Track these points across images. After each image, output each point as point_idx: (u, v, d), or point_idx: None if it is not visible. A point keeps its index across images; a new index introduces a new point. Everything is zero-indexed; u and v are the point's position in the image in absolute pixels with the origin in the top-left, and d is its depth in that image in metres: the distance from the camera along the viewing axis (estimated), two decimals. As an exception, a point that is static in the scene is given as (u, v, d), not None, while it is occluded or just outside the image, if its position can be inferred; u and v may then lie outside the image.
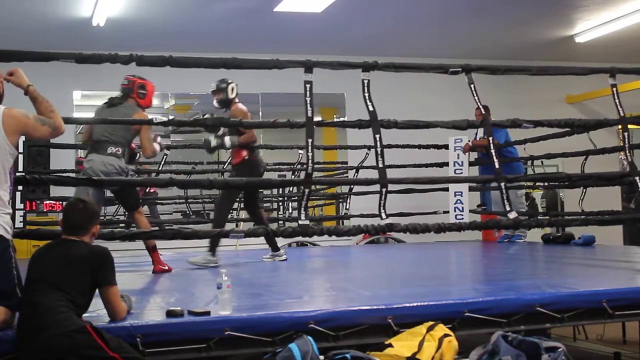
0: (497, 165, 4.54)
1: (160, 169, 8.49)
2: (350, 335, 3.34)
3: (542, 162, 8.77)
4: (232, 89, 6.06)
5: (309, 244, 8.56)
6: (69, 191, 6.88)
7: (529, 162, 8.42)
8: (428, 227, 4.38)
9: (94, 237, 3.25)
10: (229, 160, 8.66)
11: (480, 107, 4.64)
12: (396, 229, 4.35)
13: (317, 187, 8.76)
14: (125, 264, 5.80)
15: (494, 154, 4.55)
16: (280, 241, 8.17)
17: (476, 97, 4.62)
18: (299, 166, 8.76)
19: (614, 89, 4.81)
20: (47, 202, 8.13)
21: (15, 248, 3.20)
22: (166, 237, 4.84)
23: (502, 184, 4.51)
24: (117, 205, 8.89)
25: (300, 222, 4.24)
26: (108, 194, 5.87)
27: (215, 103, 6.11)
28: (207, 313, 3.24)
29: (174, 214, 10.06)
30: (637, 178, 4.73)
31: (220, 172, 8.93)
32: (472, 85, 4.60)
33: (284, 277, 5.21)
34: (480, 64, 4.95)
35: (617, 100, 4.80)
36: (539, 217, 7.69)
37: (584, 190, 6.81)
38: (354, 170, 8.93)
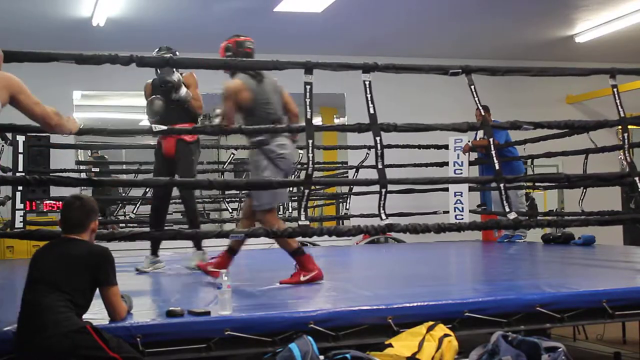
0: (497, 166, 4.54)
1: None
2: (350, 335, 3.34)
3: (534, 162, 8.76)
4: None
5: (309, 244, 8.56)
6: (69, 191, 6.89)
7: (529, 162, 8.42)
8: (428, 227, 4.38)
9: (94, 234, 3.24)
10: (228, 160, 8.67)
11: (480, 108, 4.64)
12: (396, 229, 4.35)
13: (317, 187, 8.76)
14: (125, 264, 5.80)
15: (494, 154, 4.55)
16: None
17: (476, 99, 4.62)
18: (299, 166, 8.75)
19: (615, 90, 4.81)
20: (47, 202, 8.12)
21: None
22: (167, 238, 4.85)
23: (502, 185, 4.51)
24: (119, 205, 8.92)
25: (300, 222, 4.24)
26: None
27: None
28: (207, 313, 3.24)
29: (174, 214, 10.05)
30: (637, 178, 4.73)
31: (220, 172, 8.93)
32: (472, 87, 4.61)
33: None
34: (480, 64, 4.95)
35: (617, 101, 4.80)
36: (539, 217, 7.68)
37: (584, 190, 6.81)
38: (354, 170, 8.93)
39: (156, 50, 5.81)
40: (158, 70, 5.63)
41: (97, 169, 9.66)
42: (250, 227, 4.67)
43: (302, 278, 4.52)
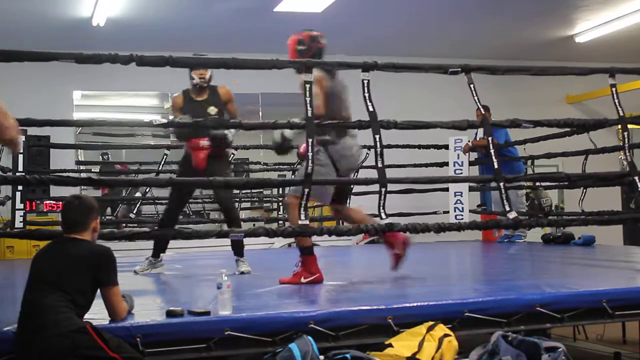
0: (496, 166, 4.54)
1: (160, 169, 8.49)
2: (350, 335, 3.33)
3: (533, 162, 8.78)
4: None
5: (308, 244, 8.55)
6: (69, 191, 6.90)
7: (529, 162, 8.42)
8: (428, 227, 4.38)
9: (96, 233, 3.23)
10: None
11: (480, 107, 4.64)
12: (396, 229, 4.35)
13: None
14: (126, 264, 5.80)
15: (493, 154, 4.55)
16: (281, 241, 8.19)
17: (476, 98, 4.62)
18: (299, 166, 8.76)
19: (614, 89, 4.81)
20: (47, 202, 8.13)
21: None
22: (167, 238, 4.85)
23: (502, 184, 4.51)
24: (118, 205, 8.92)
25: (300, 221, 4.23)
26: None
27: None
28: (207, 313, 3.24)
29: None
30: (637, 178, 4.73)
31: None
32: (471, 86, 4.60)
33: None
34: (480, 64, 4.95)
35: (616, 101, 4.80)
36: (539, 217, 7.69)
37: (584, 190, 6.81)
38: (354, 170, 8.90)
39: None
40: (191, 74, 5.46)
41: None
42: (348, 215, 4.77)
43: (302, 280, 4.49)
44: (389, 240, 4.77)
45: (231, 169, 5.72)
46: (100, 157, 10.08)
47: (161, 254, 5.53)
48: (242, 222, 8.46)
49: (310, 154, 4.15)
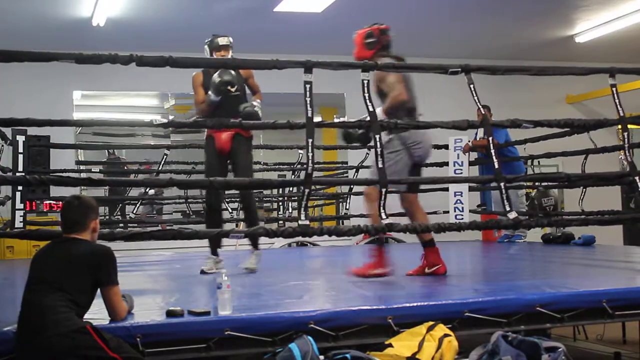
0: (496, 166, 4.54)
1: (160, 169, 8.49)
2: (350, 335, 3.34)
3: (539, 162, 8.78)
4: None
5: (309, 244, 8.57)
6: (69, 191, 6.90)
7: (529, 162, 8.42)
8: (428, 227, 4.38)
9: (96, 233, 3.23)
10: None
11: (480, 107, 4.64)
12: (396, 229, 4.35)
13: (317, 187, 8.76)
14: (125, 264, 5.80)
15: (493, 154, 4.55)
16: (280, 241, 8.19)
17: (476, 98, 4.62)
18: (299, 166, 8.76)
19: (614, 89, 4.81)
20: (47, 202, 8.13)
21: None
22: (167, 238, 4.84)
23: (502, 184, 4.51)
24: (120, 205, 8.92)
25: (300, 222, 4.23)
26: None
27: None
28: (207, 313, 3.24)
29: (173, 214, 10.07)
30: (637, 178, 4.73)
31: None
32: (471, 86, 4.61)
33: (284, 277, 5.21)
34: (480, 64, 4.95)
35: (616, 101, 4.80)
36: (539, 217, 7.68)
37: (584, 190, 6.81)
38: (354, 170, 8.92)
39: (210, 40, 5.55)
40: (213, 54, 5.42)
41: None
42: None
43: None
44: (430, 260, 4.73)
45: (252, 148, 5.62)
46: (106, 154, 10.06)
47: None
48: (242, 222, 8.49)
49: (310, 155, 4.14)
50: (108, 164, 9.75)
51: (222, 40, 5.42)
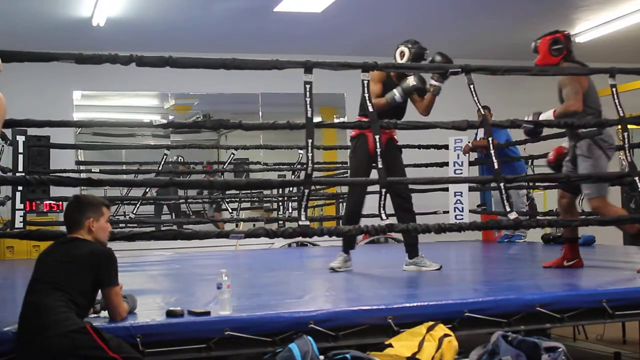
0: (496, 166, 4.53)
1: (160, 169, 8.49)
2: (350, 335, 3.34)
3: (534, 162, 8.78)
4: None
5: (309, 244, 8.57)
6: (69, 191, 6.90)
7: (529, 162, 8.42)
8: (428, 227, 4.38)
9: (102, 232, 3.20)
10: (228, 160, 8.65)
11: (480, 108, 4.64)
12: (396, 229, 4.35)
13: (317, 187, 8.76)
14: (125, 264, 5.81)
15: (493, 154, 4.54)
16: (280, 241, 8.20)
17: (475, 98, 4.62)
18: (299, 166, 8.76)
19: (614, 90, 4.81)
20: (47, 202, 8.13)
21: None
22: (167, 238, 4.84)
23: (502, 185, 4.51)
24: (118, 205, 8.92)
25: (300, 222, 4.23)
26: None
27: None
28: (207, 313, 3.24)
29: (173, 214, 10.06)
30: (636, 178, 4.73)
31: (220, 172, 8.90)
32: (471, 86, 4.60)
33: (284, 277, 5.21)
34: (480, 64, 4.94)
35: (616, 101, 4.80)
36: (539, 217, 7.68)
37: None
38: (354, 170, 8.89)
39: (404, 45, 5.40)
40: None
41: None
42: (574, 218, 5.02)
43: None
44: (570, 254, 5.05)
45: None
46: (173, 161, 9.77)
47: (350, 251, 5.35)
48: (242, 222, 8.48)
49: (310, 155, 4.13)
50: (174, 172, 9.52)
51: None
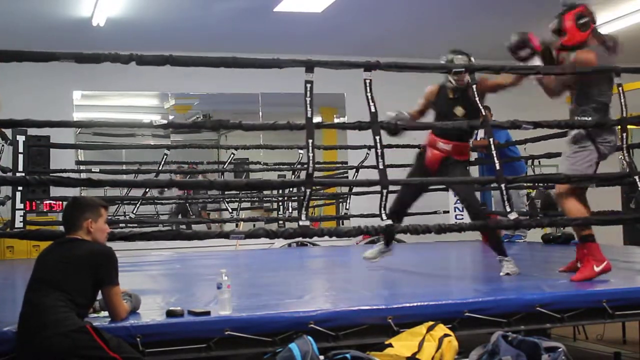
0: (497, 166, 4.53)
1: (160, 169, 8.49)
2: (350, 335, 3.34)
3: (539, 162, 8.78)
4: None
5: (309, 244, 8.57)
6: (69, 191, 6.90)
7: (529, 162, 8.42)
8: (429, 227, 4.37)
9: (101, 233, 3.21)
10: (228, 160, 8.65)
11: (481, 108, 4.64)
12: (397, 230, 4.35)
13: (317, 187, 8.76)
14: (125, 264, 5.81)
15: (494, 154, 4.54)
16: (280, 241, 8.20)
17: (477, 98, 4.62)
18: (299, 166, 8.75)
19: (620, 89, 4.81)
20: (47, 202, 8.13)
21: None
22: (167, 238, 4.84)
23: (503, 185, 4.50)
24: (118, 205, 8.91)
25: (300, 222, 4.23)
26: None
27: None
28: (207, 313, 3.24)
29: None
30: (636, 178, 4.72)
31: (220, 172, 8.90)
32: (474, 86, 4.60)
33: (284, 277, 5.21)
34: (480, 64, 4.94)
35: (622, 100, 4.80)
36: (539, 217, 7.68)
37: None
38: (354, 170, 8.92)
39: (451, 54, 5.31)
40: (449, 77, 5.15)
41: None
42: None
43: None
44: (586, 257, 4.35)
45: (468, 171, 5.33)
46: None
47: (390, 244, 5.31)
48: (242, 222, 8.47)
49: (310, 155, 4.13)
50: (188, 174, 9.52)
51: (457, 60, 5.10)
